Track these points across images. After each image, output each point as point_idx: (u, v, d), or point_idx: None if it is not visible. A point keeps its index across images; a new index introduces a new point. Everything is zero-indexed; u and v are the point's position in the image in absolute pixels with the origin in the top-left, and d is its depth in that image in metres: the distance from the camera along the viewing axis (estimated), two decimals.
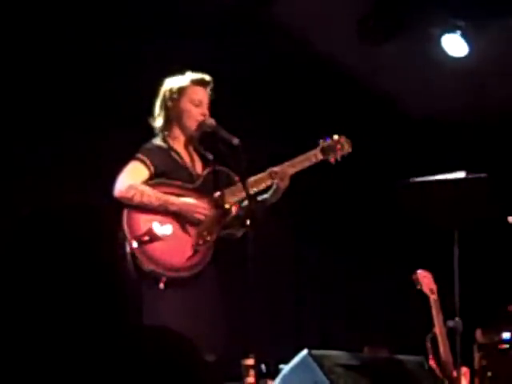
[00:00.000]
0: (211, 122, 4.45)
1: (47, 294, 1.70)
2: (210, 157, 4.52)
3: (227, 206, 4.35)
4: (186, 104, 4.45)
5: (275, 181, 4.44)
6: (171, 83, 4.49)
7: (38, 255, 1.72)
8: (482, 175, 4.87)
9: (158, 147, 4.44)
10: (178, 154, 4.46)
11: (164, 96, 4.47)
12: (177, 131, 4.49)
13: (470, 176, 4.87)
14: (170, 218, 4.27)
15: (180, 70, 4.52)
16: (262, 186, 4.45)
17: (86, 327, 1.71)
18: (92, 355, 1.69)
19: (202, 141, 4.54)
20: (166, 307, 4.14)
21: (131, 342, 1.73)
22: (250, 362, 4.33)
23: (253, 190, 4.34)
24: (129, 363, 1.70)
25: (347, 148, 4.67)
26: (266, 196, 4.49)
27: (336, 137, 4.65)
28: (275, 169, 4.46)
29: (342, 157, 4.66)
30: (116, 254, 1.78)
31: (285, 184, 4.46)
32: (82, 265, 1.73)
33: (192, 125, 4.46)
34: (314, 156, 4.58)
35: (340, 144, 4.65)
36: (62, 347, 1.69)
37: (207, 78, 4.50)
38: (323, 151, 4.60)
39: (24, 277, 1.71)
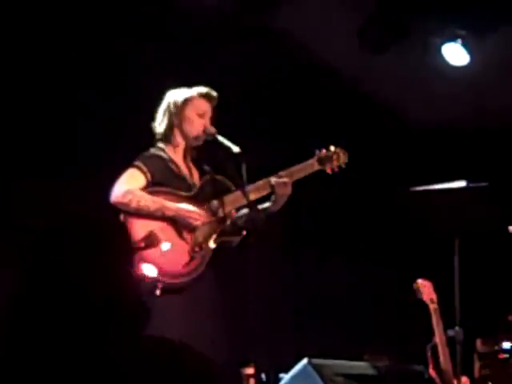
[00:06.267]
0: (212, 130, 4.46)
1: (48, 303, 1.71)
2: (207, 168, 4.53)
3: (224, 214, 4.34)
4: (190, 112, 4.48)
5: (276, 190, 4.41)
6: (177, 93, 4.53)
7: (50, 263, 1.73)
8: (483, 184, 4.86)
9: (156, 156, 4.45)
10: (175, 163, 4.46)
11: (168, 103, 4.51)
12: (178, 138, 4.51)
13: (470, 185, 4.86)
14: (166, 224, 4.26)
15: (182, 76, 4.53)
16: (261, 194, 4.44)
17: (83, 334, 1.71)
18: (91, 362, 1.69)
19: (201, 149, 4.55)
20: (163, 314, 4.11)
21: (132, 350, 1.74)
22: (250, 370, 4.33)
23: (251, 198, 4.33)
24: (129, 371, 1.70)
25: (343, 159, 4.65)
26: (267, 204, 4.48)
27: (332, 148, 4.64)
28: (273, 178, 4.45)
29: (340, 167, 4.64)
30: (119, 264, 1.79)
31: (287, 192, 4.45)
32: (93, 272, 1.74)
33: (192, 133, 4.48)
34: (311, 166, 4.57)
35: (336, 154, 4.63)
36: (59, 352, 1.70)
37: (214, 93, 4.53)
38: (320, 161, 4.59)
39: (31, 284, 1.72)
